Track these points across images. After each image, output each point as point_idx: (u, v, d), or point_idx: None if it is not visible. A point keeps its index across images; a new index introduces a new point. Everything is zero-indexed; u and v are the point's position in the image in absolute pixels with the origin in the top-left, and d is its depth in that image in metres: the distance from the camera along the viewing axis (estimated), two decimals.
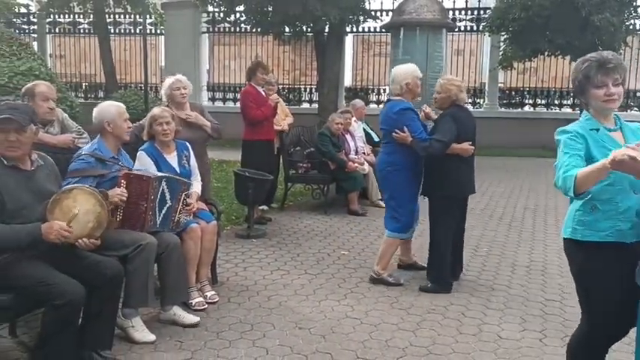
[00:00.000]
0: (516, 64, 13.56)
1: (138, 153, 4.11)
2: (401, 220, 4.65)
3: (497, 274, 4.99)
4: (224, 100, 16.68)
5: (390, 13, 13.86)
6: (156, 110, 4.18)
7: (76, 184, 3.18)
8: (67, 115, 4.50)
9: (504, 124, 14.32)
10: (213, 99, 16.76)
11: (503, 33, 12.99)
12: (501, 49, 13.35)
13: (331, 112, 12.74)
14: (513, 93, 15.36)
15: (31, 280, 2.86)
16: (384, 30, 13.50)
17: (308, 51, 15.83)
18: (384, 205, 7.32)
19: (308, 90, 16.10)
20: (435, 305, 4.23)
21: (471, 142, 4.51)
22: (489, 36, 14.06)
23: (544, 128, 13.38)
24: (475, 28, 14.87)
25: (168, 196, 3.77)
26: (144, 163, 4.02)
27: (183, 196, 3.89)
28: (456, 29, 13.89)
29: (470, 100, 14.65)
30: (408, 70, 4.73)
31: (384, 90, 15.46)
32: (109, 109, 3.74)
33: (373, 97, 15.43)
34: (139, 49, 16.85)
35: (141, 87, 15.52)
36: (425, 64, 9.72)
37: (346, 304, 4.23)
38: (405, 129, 4.49)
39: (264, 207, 7.00)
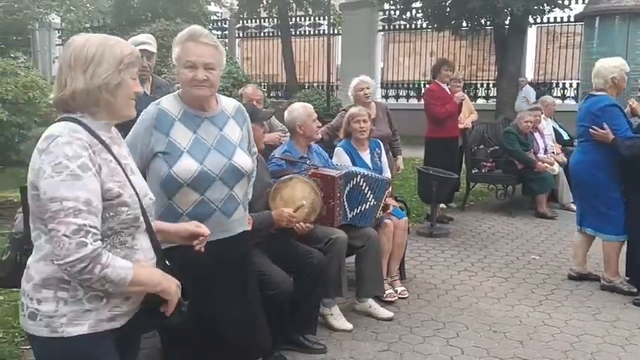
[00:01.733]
0: None
1: (336, 149, 4.32)
2: (617, 222, 4.34)
3: None
4: (397, 97, 16.77)
5: (580, 1, 12.87)
6: (354, 109, 4.36)
7: (293, 175, 3.42)
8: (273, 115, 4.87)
9: None
10: (386, 96, 16.94)
11: None
12: None
13: (511, 108, 12.27)
14: None
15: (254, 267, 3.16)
16: (572, 20, 12.57)
17: (486, 45, 15.30)
18: (575, 209, 6.96)
19: (485, 85, 15.57)
20: None
21: None
22: None
23: None
24: None
25: (369, 195, 3.88)
26: (341, 159, 4.21)
27: (386, 194, 4.02)
28: None
29: None
30: (615, 64, 4.42)
31: (570, 85, 14.39)
32: (299, 111, 3.87)
33: (558, 92, 14.40)
34: (317, 49, 17.70)
35: (321, 86, 16.29)
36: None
37: (542, 311, 4.04)
38: (606, 126, 4.21)
39: (443, 206, 6.93)
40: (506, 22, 13.04)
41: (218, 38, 14.78)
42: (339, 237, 3.68)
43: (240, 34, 19.19)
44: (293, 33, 17.77)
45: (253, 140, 2.63)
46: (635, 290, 4.29)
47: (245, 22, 18.90)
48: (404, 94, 16.70)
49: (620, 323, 3.84)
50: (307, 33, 18.19)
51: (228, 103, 2.48)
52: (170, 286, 1.72)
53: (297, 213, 3.23)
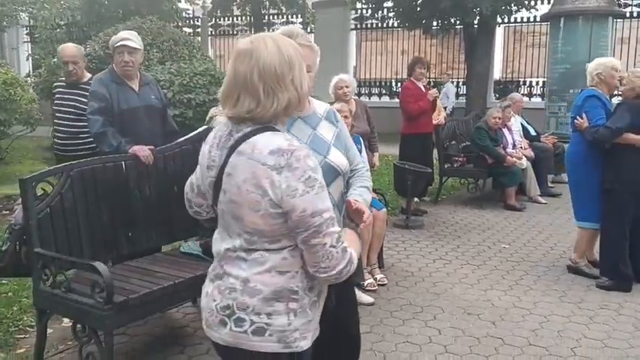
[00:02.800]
0: None
1: None
2: (588, 210, 4.59)
3: None
4: (369, 95, 17.04)
5: (546, 2, 13.32)
6: (336, 105, 4.54)
7: None
8: None
9: None
10: (359, 94, 17.17)
11: None
12: None
13: (480, 106, 12.65)
14: None
15: None
16: (538, 20, 13.01)
17: (456, 44, 15.68)
18: (543, 202, 7.31)
19: (454, 83, 15.94)
20: (607, 302, 4.16)
21: None
22: None
23: None
24: None
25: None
26: None
27: None
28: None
29: None
30: (601, 61, 4.71)
31: (537, 82, 14.87)
32: None
33: (524, 90, 14.85)
34: None
35: None
36: (588, 56, 9.29)
37: (512, 295, 4.30)
38: (584, 115, 4.48)
39: (416, 199, 7.17)
40: (475, 21, 13.43)
41: (189, 36, 14.63)
42: None
43: (212, 32, 19.20)
44: (266, 31, 17.88)
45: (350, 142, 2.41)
46: (597, 274, 4.57)
47: (217, 19, 18.94)
48: (376, 92, 17.00)
49: (585, 304, 4.12)
50: None
51: (319, 105, 2.32)
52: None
53: None
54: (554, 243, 5.64)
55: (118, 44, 3.89)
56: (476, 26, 13.71)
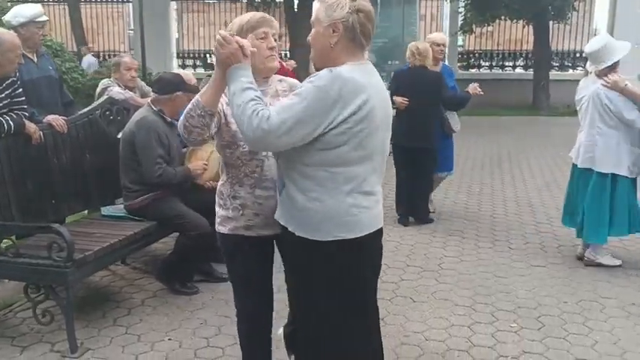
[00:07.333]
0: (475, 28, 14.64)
1: None
2: None
3: (494, 206, 6.07)
4: (194, 66, 17.09)
5: None
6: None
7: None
8: (144, 83, 5.16)
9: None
10: (183, 66, 17.14)
11: None
12: (462, 14, 14.37)
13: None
14: (471, 55, 16.55)
15: (172, 212, 3.63)
16: None
17: (277, 16, 16.37)
18: None
19: (282, 55, 16.68)
20: (454, 229, 5.24)
21: (408, 99, 5.14)
22: (451, 2, 15.04)
23: (501, 88, 14.64)
24: None
25: None
26: None
27: None
28: None
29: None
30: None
31: None
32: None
33: None
34: (106, 17, 17.05)
35: (110, 55, 15.81)
36: (402, 31, 10.64)
37: None
38: None
39: None
40: None
41: None
42: None
43: None
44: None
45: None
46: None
47: None
48: (201, 64, 17.10)
49: (437, 233, 5.12)
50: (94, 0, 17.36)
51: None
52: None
53: (208, 170, 3.74)
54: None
55: (40, 19, 3.91)
56: (296, 0, 14.56)
